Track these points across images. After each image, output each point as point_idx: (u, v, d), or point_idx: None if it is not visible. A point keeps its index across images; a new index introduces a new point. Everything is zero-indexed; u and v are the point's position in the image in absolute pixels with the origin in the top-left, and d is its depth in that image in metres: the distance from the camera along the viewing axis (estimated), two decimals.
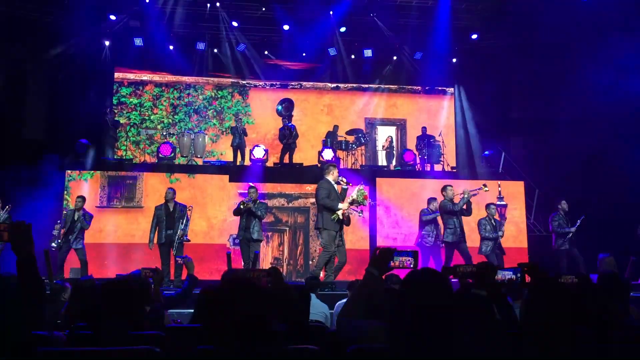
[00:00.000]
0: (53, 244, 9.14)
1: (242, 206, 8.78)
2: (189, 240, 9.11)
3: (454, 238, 8.89)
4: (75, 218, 9.15)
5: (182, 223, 8.98)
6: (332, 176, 8.07)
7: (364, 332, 2.14)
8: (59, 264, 9.00)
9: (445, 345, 1.92)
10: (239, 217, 8.95)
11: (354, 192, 8.02)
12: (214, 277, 8.90)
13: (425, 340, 1.90)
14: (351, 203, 7.97)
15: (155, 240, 9.00)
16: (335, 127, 12.82)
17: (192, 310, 3.57)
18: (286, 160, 11.94)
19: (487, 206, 9.40)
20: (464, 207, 8.94)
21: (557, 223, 9.75)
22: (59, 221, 9.57)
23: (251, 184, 9.46)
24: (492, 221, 9.22)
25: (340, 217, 7.87)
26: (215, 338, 1.92)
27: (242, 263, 8.90)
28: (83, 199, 9.39)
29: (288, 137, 12.04)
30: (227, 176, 11.15)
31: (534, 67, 12.94)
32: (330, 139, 12.45)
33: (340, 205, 7.89)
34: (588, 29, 11.55)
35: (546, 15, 11.67)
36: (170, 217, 8.99)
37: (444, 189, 9.21)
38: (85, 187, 10.86)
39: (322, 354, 2.18)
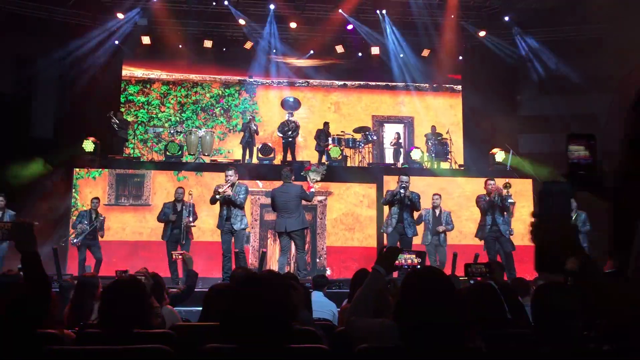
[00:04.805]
0: (75, 240, 9.27)
1: (217, 196, 8.07)
2: (194, 225, 9.17)
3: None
4: (93, 218, 9.35)
5: (185, 211, 9.04)
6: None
7: (373, 331, 2.12)
8: (81, 263, 9.22)
9: (451, 341, 1.91)
10: (219, 206, 8.37)
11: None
12: (222, 275, 8.89)
13: (430, 337, 1.89)
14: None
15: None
16: (326, 124, 12.55)
17: (199, 308, 3.54)
18: (289, 157, 11.97)
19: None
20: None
21: None
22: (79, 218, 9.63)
23: (230, 167, 8.66)
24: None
25: None
26: (234, 336, 1.92)
27: (222, 257, 8.32)
28: (98, 200, 9.61)
29: (293, 129, 12.08)
30: None
31: (542, 63, 12.91)
32: (325, 137, 12.32)
33: None
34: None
35: (554, 12, 11.62)
36: (179, 216, 9.02)
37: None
38: (93, 185, 10.91)
39: (331, 352, 2.17)
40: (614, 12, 10.74)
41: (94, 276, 4.24)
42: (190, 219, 9.07)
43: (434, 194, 9.55)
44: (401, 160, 13.00)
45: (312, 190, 8.70)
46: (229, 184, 8.16)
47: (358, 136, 12.55)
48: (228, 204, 8.25)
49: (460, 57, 13.84)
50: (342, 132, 12.49)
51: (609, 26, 11.58)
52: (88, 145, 10.97)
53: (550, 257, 1.36)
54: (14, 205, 9.13)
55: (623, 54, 10.73)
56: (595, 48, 11.83)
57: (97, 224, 9.34)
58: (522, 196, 11.23)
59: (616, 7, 10.52)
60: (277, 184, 11.37)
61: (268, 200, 11.18)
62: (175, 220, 9.01)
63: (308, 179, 9.61)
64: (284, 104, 13.57)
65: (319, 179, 9.67)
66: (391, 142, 13.32)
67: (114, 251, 10.45)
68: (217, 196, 8.07)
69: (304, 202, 8.68)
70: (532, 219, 1.41)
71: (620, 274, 1.29)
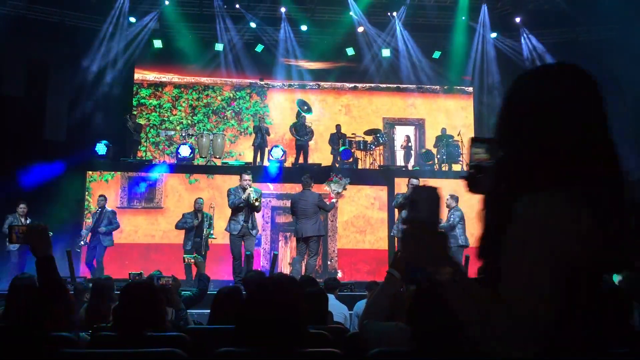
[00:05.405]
0: (81, 242, 9.38)
1: (256, 203, 8.17)
2: (214, 237, 9.32)
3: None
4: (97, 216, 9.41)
5: (206, 222, 9.31)
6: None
7: (388, 335, 2.12)
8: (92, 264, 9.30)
9: (464, 345, 1.89)
10: (235, 210, 8.39)
11: None
12: (232, 278, 8.93)
13: (443, 341, 1.88)
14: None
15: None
16: (338, 127, 12.60)
17: (208, 311, 3.55)
18: (301, 160, 11.99)
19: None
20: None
21: None
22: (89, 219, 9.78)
23: (248, 171, 8.69)
24: None
25: None
26: (247, 340, 1.92)
27: (233, 261, 8.39)
28: (104, 198, 9.66)
29: (308, 133, 12.11)
30: None
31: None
32: (337, 139, 12.34)
33: None
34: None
35: (565, 13, 11.56)
36: (200, 225, 9.16)
37: None
38: (105, 187, 10.99)
39: (344, 356, 2.17)
40: (625, 13, 10.67)
41: (109, 278, 4.27)
42: (211, 231, 9.27)
43: (449, 194, 9.48)
44: (412, 162, 12.97)
45: (333, 201, 8.86)
46: (249, 189, 8.25)
47: (369, 138, 12.54)
48: (247, 208, 8.35)
49: (472, 59, 13.79)
50: (353, 134, 12.49)
51: (620, 27, 11.51)
52: (101, 148, 11.05)
53: (418, 267, 1.26)
54: (27, 208, 9.21)
55: (634, 55, 10.65)
56: (606, 49, 11.75)
57: (98, 221, 9.32)
58: None
59: (627, 8, 10.45)
60: (288, 186, 11.45)
61: (279, 203, 11.23)
62: (197, 229, 9.13)
63: (329, 190, 9.61)
64: (308, 105, 13.53)
65: (340, 190, 9.69)
66: (401, 145, 13.29)
67: (126, 254, 10.52)
68: (257, 203, 8.21)
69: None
70: (404, 227, 1.31)
71: (487, 280, 1.20)
